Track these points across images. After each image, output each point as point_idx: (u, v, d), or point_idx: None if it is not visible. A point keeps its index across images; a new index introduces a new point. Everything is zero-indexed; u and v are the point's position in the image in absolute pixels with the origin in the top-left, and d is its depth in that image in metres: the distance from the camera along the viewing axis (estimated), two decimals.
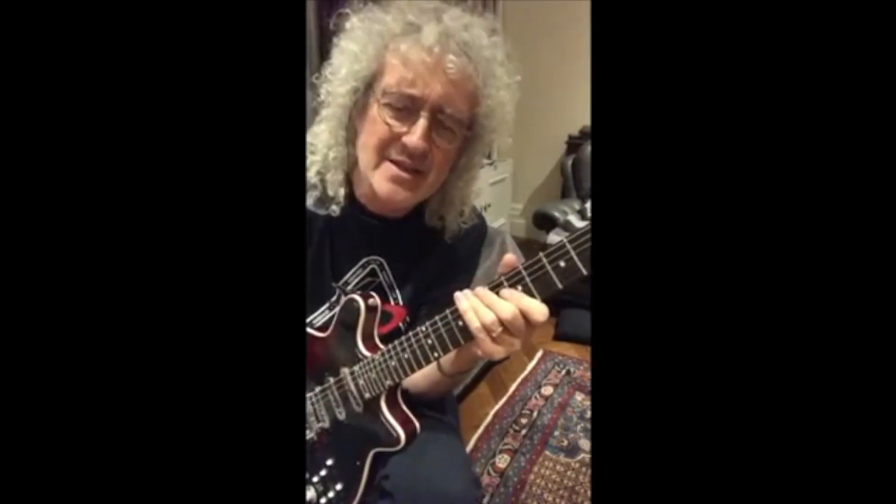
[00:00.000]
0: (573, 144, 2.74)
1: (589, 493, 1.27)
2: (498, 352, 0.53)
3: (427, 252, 0.75)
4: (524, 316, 0.51)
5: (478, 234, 0.80)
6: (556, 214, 2.23)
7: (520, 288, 0.52)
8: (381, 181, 0.64)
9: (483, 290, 0.54)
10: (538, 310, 0.51)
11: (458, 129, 0.64)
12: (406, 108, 0.61)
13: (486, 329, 0.52)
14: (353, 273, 0.74)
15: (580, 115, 2.80)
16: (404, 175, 0.64)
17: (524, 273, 0.52)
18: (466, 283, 0.80)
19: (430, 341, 0.59)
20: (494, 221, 2.91)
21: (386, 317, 0.73)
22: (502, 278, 0.53)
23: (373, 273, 0.74)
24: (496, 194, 2.92)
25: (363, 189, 0.70)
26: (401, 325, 0.75)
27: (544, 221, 2.28)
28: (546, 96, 2.92)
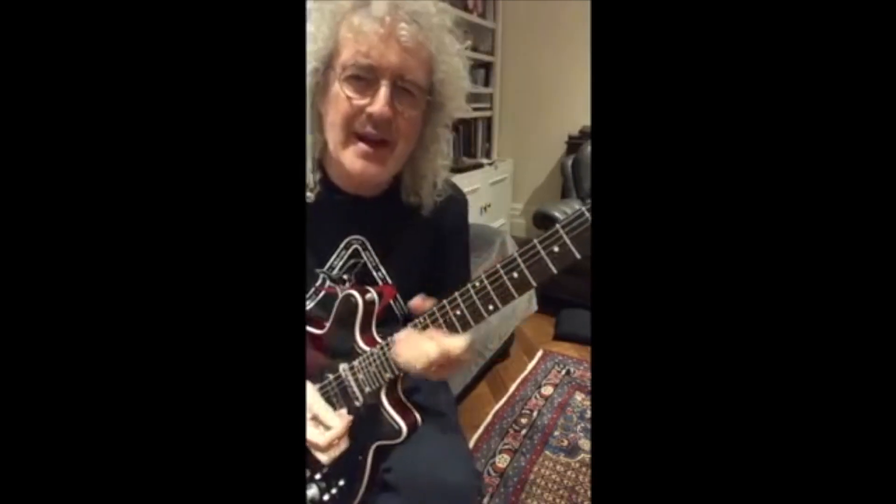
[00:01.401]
0: (573, 144, 2.74)
1: (589, 493, 1.27)
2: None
3: (408, 228, 0.76)
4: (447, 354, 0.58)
5: (459, 206, 0.82)
6: (556, 214, 2.23)
7: (515, 275, 0.53)
8: (352, 159, 0.66)
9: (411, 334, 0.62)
10: (457, 345, 0.58)
11: (419, 94, 0.65)
12: (366, 80, 0.62)
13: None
14: (337, 256, 0.75)
15: (580, 115, 2.80)
16: (372, 151, 0.65)
17: (519, 260, 0.53)
18: (461, 255, 0.83)
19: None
20: (494, 221, 2.91)
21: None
22: (497, 265, 0.55)
23: (356, 254, 0.75)
24: (496, 194, 2.92)
25: (335, 170, 0.72)
26: (392, 302, 0.76)
27: (544, 221, 2.28)
28: (546, 96, 2.92)
